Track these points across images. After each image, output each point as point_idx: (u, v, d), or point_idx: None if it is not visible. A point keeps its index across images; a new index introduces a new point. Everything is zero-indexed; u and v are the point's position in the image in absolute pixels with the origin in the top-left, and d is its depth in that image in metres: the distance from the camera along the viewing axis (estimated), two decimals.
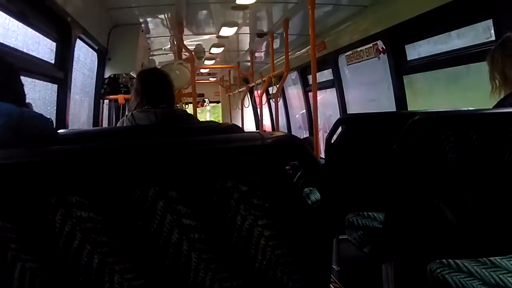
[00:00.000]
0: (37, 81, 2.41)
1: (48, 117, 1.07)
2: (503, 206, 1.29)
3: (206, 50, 5.20)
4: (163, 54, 5.50)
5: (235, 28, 4.18)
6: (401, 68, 3.09)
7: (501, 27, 2.09)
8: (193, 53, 4.28)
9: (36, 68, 2.31)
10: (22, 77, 1.15)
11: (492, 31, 2.22)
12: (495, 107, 1.48)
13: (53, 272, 0.59)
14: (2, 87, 1.02)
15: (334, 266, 2.38)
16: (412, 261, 1.45)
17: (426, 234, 1.32)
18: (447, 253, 1.19)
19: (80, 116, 3.41)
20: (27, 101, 1.13)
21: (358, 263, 2.43)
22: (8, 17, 2.00)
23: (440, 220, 1.28)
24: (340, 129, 2.06)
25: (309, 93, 5.16)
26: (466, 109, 1.92)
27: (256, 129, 8.11)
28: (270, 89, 6.11)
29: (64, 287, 0.60)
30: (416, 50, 3.00)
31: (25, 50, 2.20)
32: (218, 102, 9.92)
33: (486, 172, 1.29)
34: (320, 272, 0.69)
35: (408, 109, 3.08)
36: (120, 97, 3.71)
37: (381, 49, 3.38)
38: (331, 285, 2.20)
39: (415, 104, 3.10)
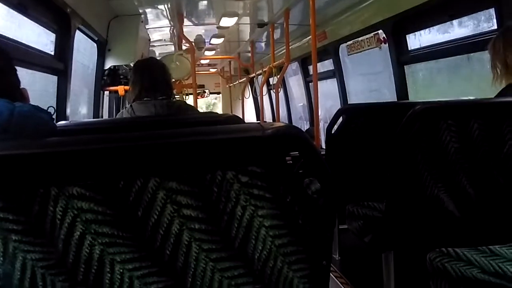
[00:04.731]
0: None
1: (50, 108, 1.05)
2: (503, 195, 1.30)
3: (206, 40, 5.18)
4: (163, 45, 5.48)
5: (236, 18, 4.16)
6: (402, 58, 3.07)
7: (504, 16, 2.08)
8: (193, 43, 4.26)
9: (35, 59, 2.30)
10: (22, 69, 1.13)
11: (494, 20, 2.20)
12: (497, 96, 1.48)
13: (54, 263, 0.60)
14: None
15: (334, 256, 2.39)
16: (412, 250, 1.46)
17: (426, 224, 1.33)
18: (447, 242, 1.19)
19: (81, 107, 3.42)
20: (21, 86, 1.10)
21: (358, 252, 2.44)
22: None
23: (440, 209, 1.29)
24: (340, 119, 2.06)
25: (310, 84, 5.15)
26: (467, 98, 1.92)
27: (257, 120, 8.10)
28: (270, 79, 6.09)
29: (65, 277, 0.60)
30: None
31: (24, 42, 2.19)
32: (218, 93, 9.88)
33: (486, 162, 1.29)
34: (321, 262, 0.70)
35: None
36: (120, 88, 3.69)
37: (382, 39, 3.36)
38: (331, 274, 2.21)
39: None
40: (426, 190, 1.28)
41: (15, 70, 1.09)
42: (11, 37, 2.03)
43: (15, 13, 2.08)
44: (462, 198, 1.29)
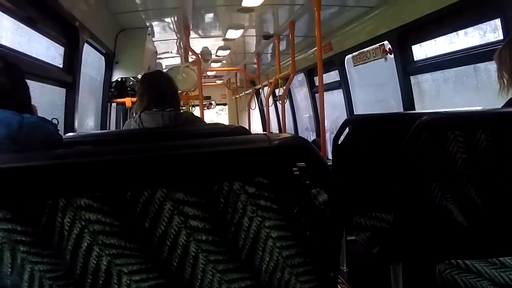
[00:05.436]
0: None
1: (54, 119, 1.06)
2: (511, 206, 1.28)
3: (212, 52, 5.22)
4: (170, 57, 5.53)
5: (241, 31, 4.20)
6: (408, 68, 3.07)
7: (509, 26, 2.07)
8: (199, 55, 4.30)
9: (44, 72, 2.33)
10: (31, 82, 1.14)
11: (500, 30, 2.20)
12: (504, 106, 1.47)
13: (62, 274, 0.60)
14: (7, 90, 1.01)
15: (342, 267, 2.37)
16: (421, 261, 1.44)
17: (434, 235, 1.32)
18: (456, 254, 1.18)
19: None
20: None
21: (366, 264, 2.42)
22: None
23: (449, 220, 1.27)
24: (347, 130, 2.05)
25: (316, 95, 5.16)
26: (474, 108, 1.91)
27: (263, 131, 8.11)
28: (276, 91, 6.11)
29: None
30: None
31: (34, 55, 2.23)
32: (225, 104, 9.93)
33: (494, 172, 1.28)
34: (328, 273, 0.69)
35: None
36: (128, 100, 3.73)
37: (387, 50, 3.36)
38: (339, 286, 2.19)
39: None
40: (434, 201, 1.26)
41: (28, 87, 1.11)
42: (21, 50, 2.07)
43: (25, 27, 2.12)
44: (471, 209, 1.28)
